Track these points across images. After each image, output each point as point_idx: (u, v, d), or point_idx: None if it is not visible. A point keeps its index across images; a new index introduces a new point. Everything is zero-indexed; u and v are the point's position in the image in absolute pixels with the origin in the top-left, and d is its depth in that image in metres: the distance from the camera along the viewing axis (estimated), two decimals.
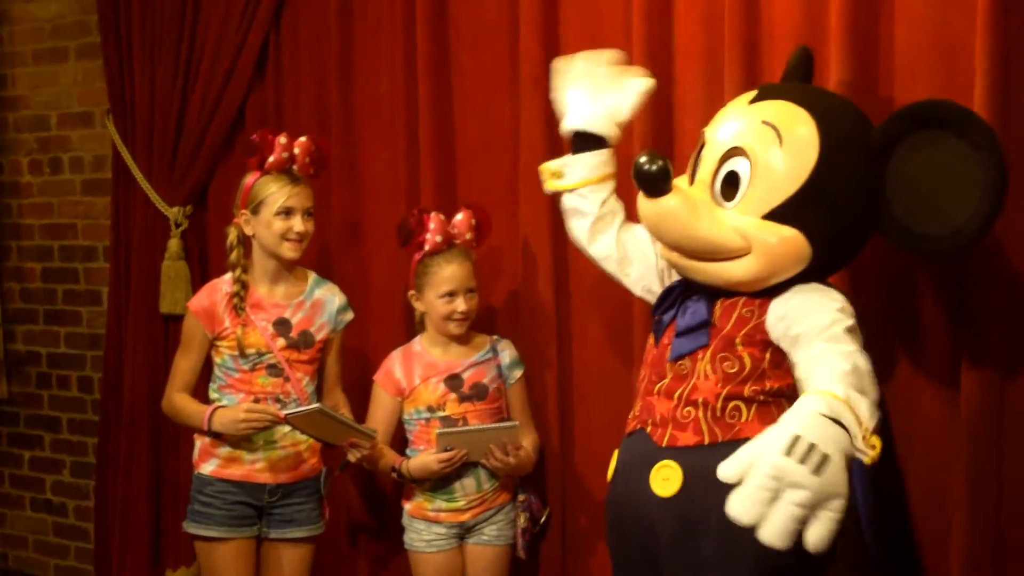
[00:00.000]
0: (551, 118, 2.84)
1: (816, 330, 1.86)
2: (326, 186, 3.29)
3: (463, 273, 2.77)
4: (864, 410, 1.65)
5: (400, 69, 3.13)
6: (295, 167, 2.83)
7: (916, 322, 2.40)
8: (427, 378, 2.83)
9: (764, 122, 2.01)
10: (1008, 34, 2.20)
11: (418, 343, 2.90)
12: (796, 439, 1.52)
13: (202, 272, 3.56)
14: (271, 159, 2.80)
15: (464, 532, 2.84)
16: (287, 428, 2.76)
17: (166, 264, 3.59)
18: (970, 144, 1.92)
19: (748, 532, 1.52)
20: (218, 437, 2.79)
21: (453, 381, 2.82)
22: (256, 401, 2.81)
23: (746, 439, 1.70)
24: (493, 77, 3.00)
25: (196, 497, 2.86)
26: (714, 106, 2.53)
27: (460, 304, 2.76)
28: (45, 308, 4.29)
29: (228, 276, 2.88)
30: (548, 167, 2.40)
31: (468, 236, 2.81)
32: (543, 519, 2.90)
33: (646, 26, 2.64)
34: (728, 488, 1.55)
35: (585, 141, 2.33)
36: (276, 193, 2.78)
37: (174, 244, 3.59)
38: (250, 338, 2.81)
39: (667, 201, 1.98)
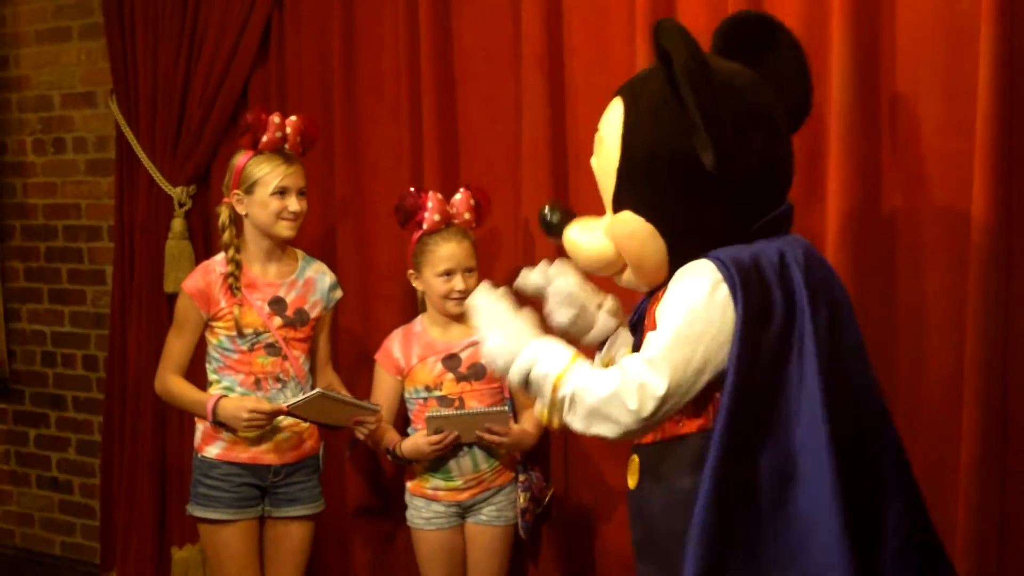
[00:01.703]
0: (554, 98, 2.86)
1: (649, 337, 1.82)
2: (328, 165, 3.30)
3: (461, 252, 2.78)
4: (566, 407, 1.82)
5: (403, 48, 3.13)
6: (287, 146, 2.84)
7: (918, 321, 2.42)
8: (424, 358, 2.85)
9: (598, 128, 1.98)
10: (1014, 14, 2.20)
11: (419, 323, 2.92)
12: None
13: (206, 251, 3.56)
14: (264, 138, 2.79)
15: (463, 511, 2.86)
16: (313, 393, 2.76)
17: (170, 243, 3.60)
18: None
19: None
20: (222, 426, 2.80)
21: (450, 361, 2.83)
22: (256, 381, 2.83)
23: (687, 435, 1.84)
24: (496, 57, 3.01)
25: (201, 480, 2.87)
26: None
27: (458, 283, 2.77)
28: (49, 287, 4.31)
29: (220, 257, 2.88)
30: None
31: (467, 216, 2.81)
32: (547, 499, 2.91)
33: (649, 5, 2.64)
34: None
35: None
36: (271, 173, 2.78)
37: (178, 223, 3.60)
38: (247, 317, 2.82)
39: (566, 236, 2.05)
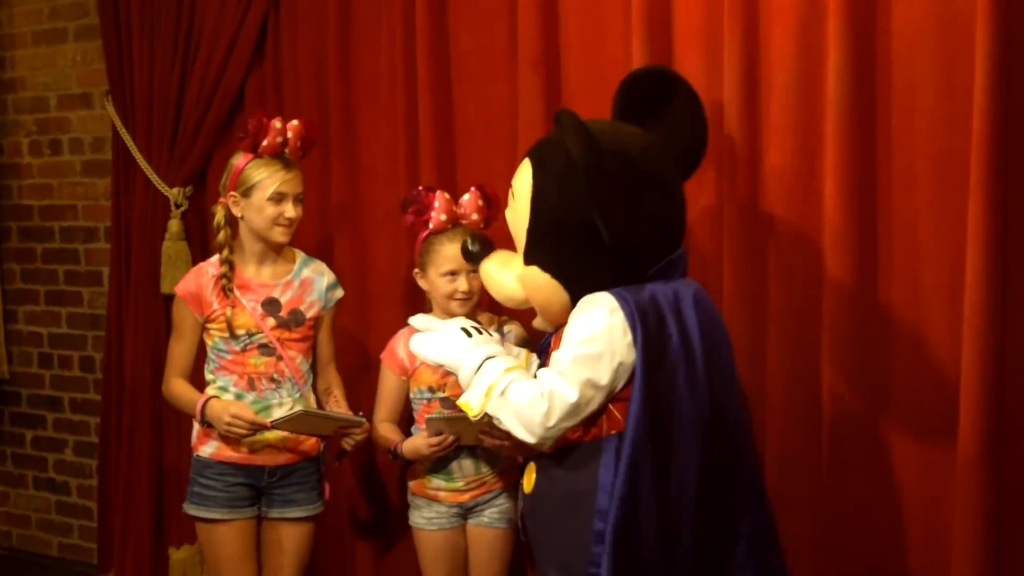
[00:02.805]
0: (550, 99, 2.86)
1: (555, 356, 2.07)
2: (325, 166, 3.30)
3: None
4: (490, 402, 2.10)
5: (399, 49, 3.13)
6: (287, 151, 2.83)
7: (915, 319, 2.43)
8: None
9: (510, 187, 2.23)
10: (1009, 12, 2.21)
11: None
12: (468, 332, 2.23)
13: (202, 252, 3.56)
14: (265, 143, 2.78)
15: (465, 513, 2.86)
16: (285, 410, 2.77)
17: (166, 244, 3.60)
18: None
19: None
20: (211, 426, 2.80)
21: None
22: (250, 382, 2.83)
23: (577, 443, 2.09)
24: (492, 58, 3.01)
25: (196, 479, 2.88)
26: (714, 85, 2.57)
27: (462, 284, 2.76)
28: (46, 289, 4.31)
29: (214, 259, 2.88)
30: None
31: (475, 216, 2.79)
32: None
33: (645, 5, 2.65)
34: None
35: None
36: (268, 179, 2.78)
37: (174, 225, 3.60)
38: (239, 319, 2.82)
39: (483, 267, 2.34)
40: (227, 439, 2.81)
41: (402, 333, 2.91)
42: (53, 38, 4.15)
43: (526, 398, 2.04)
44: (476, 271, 2.44)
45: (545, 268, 2.12)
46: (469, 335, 2.22)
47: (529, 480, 2.21)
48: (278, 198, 2.78)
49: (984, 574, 2.29)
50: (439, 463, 2.81)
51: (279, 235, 2.81)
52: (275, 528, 2.92)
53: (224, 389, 2.84)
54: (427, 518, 2.86)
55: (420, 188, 2.86)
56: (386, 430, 2.88)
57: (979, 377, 2.27)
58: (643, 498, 1.98)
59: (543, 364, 2.18)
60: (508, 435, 2.69)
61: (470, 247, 2.44)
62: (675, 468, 2.01)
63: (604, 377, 2.02)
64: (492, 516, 2.85)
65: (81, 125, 4.14)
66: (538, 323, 2.25)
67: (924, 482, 2.43)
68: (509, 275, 2.24)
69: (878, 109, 2.43)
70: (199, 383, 2.90)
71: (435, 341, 2.25)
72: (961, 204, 2.30)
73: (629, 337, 2.01)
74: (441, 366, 2.27)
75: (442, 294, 2.79)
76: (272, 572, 2.93)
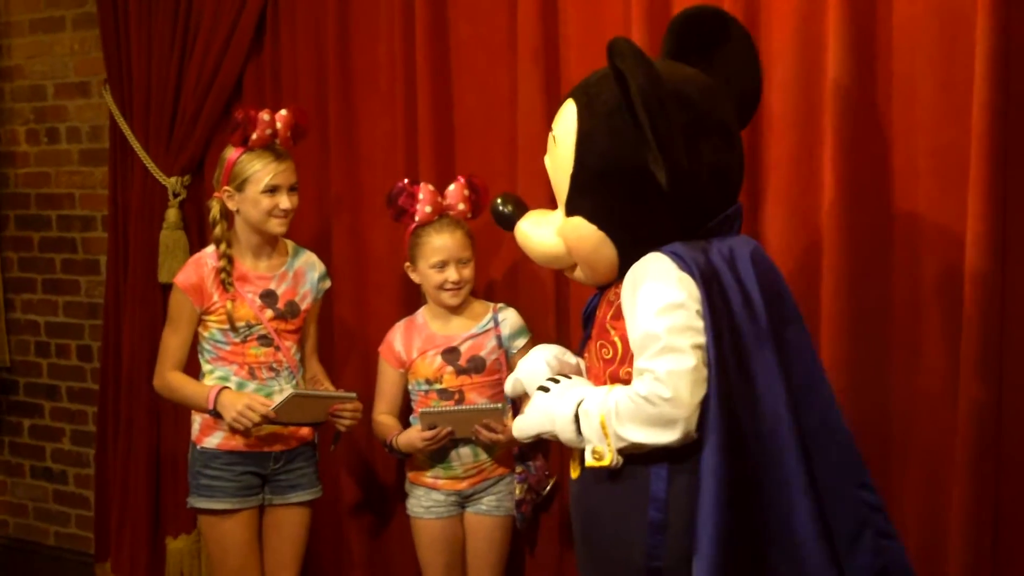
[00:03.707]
0: (550, 89, 2.86)
1: (638, 343, 1.87)
2: (323, 156, 3.29)
3: (454, 243, 2.77)
4: (612, 434, 1.87)
5: (398, 39, 3.12)
6: (277, 141, 2.83)
7: (914, 314, 2.42)
8: (425, 351, 2.85)
9: (550, 131, 2.06)
10: (1009, 5, 2.21)
11: (421, 315, 2.92)
12: (556, 380, 2.04)
13: (200, 241, 3.56)
14: (254, 136, 2.77)
15: (463, 501, 2.87)
16: (287, 395, 2.76)
17: (164, 234, 3.59)
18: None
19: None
20: (220, 416, 2.79)
21: (450, 355, 2.83)
22: (251, 371, 2.83)
23: None
24: (492, 48, 3.00)
25: (201, 472, 2.86)
26: None
27: (451, 274, 2.76)
28: (43, 277, 4.30)
29: (210, 250, 2.87)
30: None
31: (461, 207, 2.80)
32: (547, 489, 2.89)
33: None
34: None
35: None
36: (261, 171, 2.77)
37: (172, 214, 3.59)
38: (240, 311, 2.82)
39: (518, 228, 2.16)
40: (231, 429, 2.80)
41: (399, 326, 2.92)
42: (51, 26, 4.14)
43: (640, 402, 1.82)
44: (512, 230, 2.20)
45: (591, 218, 1.95)
46: (548, 390, 2.03)
47: (576, 466, 2.07)
48: (272, 190, 2.78)
49: (981, 567, 2.29)
50: (437, 453, 2.81)
51: (276, 227, 2.81)
52: (275, 513, 2.94)
53: (225, 379, 2.84)
54: (425, 507, 2.86)
55: (404, 180, 2.85)
56: (385, 422, 2.88)
57: (978, 372, 2.26)
58: (737, 480, 1.81)
59: (590, 332, 2.08)
60: (502, 429, 2.72)
61: (501, 208, 2.22)
62: (756, 449, 1.84)
63: (699, 336, 1.82)
64: (490, 504, 2.86)
65: (79, 114, 4.13)
66: (579, 276, 2.06)
67: (922, 482, 2.43)
68: (547, 231, 2.07)
69: (878, 102, 2.42)
70: (193, 374, 2.89)
71: (527, 420, 2.05)
72: (961, 197, 2.30)
73: (698, 294, 1.84)
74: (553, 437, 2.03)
75: (432, 285, 2.79)
76: (272, 556, 2.94)
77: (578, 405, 1.93)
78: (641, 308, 1.86)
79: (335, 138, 3.26)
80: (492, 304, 2.91)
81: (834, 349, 2.44)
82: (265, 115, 2.79)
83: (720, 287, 1.86)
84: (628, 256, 1.94)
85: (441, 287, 2.78)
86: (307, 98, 3.28)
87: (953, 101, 2.32)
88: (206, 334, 2.86)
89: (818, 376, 1.96)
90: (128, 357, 3.70)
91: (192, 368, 2.91)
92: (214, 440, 2.85)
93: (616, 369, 1.99)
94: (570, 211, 1.99)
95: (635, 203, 1.91)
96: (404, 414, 2.94)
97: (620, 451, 1.88)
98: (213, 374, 2.86)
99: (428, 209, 2.78)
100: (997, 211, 2.24)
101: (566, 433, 1.95)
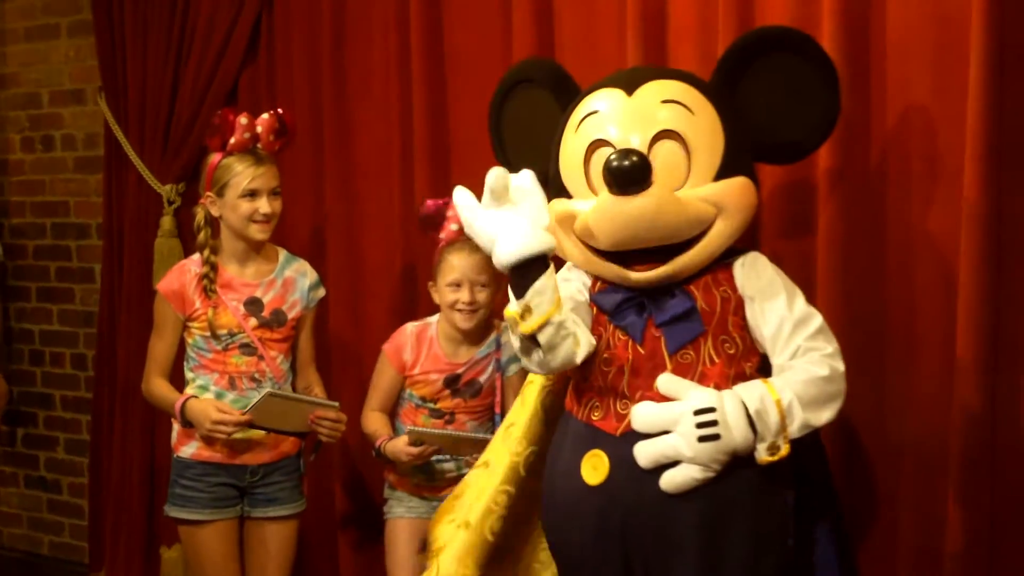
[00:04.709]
0: None
1: (791, 324, 2.03)
2: (318, 164, 3.29)
3: (471, 264, 2.72)
4: (795, 423, 1.96)
5: (393, 46, 3.12)
6: (259, 146, 2.81)
7: (909, 317, 2.42)
8: (428, 372, 2.83)
9: (665, 101, 2.07)
10: (1004, 10, 2.21)
11: (434, 328, 2.87)
12: (710, 410, 1.93)
13: (195, 249, 3.55)
14: (232, 140, 2.76)
15: None
16: (263, 395, 2.73)
17: (159, 241, 3.59)
18: (807, 60, 2.10)
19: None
20: (192, 427, 2.79)
21: (452, 382, 2.82)
22: (231, 381, 2.81)
23: None
24: (487, 55, 2.99)
25: (177, 480, 2.86)
26: None
27: (464, 295, 2.72)
28: (37, 285, 4.29)
29: (197, 257, 2.86)
30: (512, 312, 2.01)
31: None
32: None
33: (640, 2, 2.64)
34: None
35: (526, 266, 1.97)
36: (240, 175, 2.75)
37: (167, 221, 3.59)
38: (221, 319, 2.80)
39: (651, 193, 1.98)
40: (208, 439, 2.79)
41: (411, 332, 2.87)
42: (46, 34, 4.14)
43: (821, 384, 2.00)
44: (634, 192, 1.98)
45: (753, 178, 2.12)
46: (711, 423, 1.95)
47: (600, 471, 2.04)
48: (251, 194, 2.76)
49: (977, 571, 2.28)
50: (420, 465, 2.80)
51: (256, 232, 2.79)
52: (258, 528, 2.91)
53: (204, 388, 2.83)
54: (406, 507, 2.87)
55: (429, 201, 2.83)
56: (375, 420, 2.86)
57: (973, 377, 2.26)
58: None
59: (681, 319, 2.05)
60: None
61: (623, 162, 1.95)
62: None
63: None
64: None
65: (74, 121, 4.12)
66: (695, 254, 2.05)
67: (917, 485, 2.42)
68: (691, 203, 2.02)
69: (872, 107, 2.42)
70: (180, 380, 2.88)
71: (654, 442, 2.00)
72: (955, 202, 2.29)
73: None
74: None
75: (446, 304, 2.77)
76: (256, 572, 2.92)
77: (740, 405, 1.95)
78: (785, 292, 2.05)
79: (330, 145, 3.26)
80: (497, 323, 2.86)
81: None
82: (243, 119, 2.78)
83: None
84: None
85: (453, 307, 2.75)
86: (302, 105, 3.28)
87: (947, 106, 2.32)
88: (190, 340, 2.85)
89: None
90: (123, 366, 3.69)
91: (177, 378, 2.90)
92: (189, 449, 2.84)
93: (741, 366, 2.05)
94: (730, 172, 2.06)
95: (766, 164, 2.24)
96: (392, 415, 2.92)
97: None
98: (195, 382, 2.85)
99: (455, 227, 2.75)
100: (991, 216, 2.24)
101: (743, 442, 1.94)
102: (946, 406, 2.33)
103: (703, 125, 2.06)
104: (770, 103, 2.12)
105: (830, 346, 2.02)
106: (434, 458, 2.78)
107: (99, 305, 3.87)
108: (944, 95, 2.33)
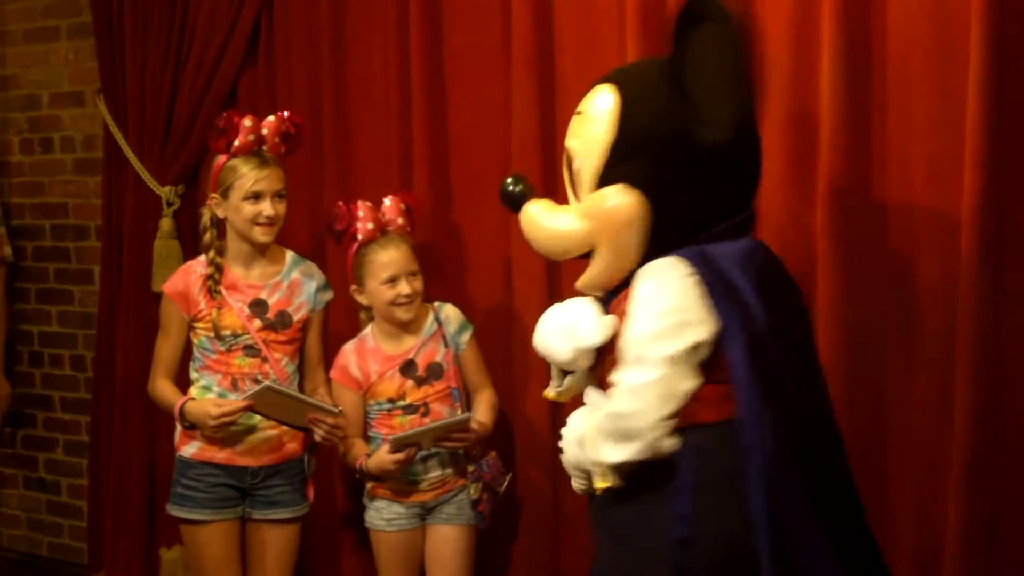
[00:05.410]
0: (543, 98, 2.86)
1: (626, 347, 1.89)
2: (318, 166, 3.29)
3: (401, 256, 2.76)
4: (595, 455, 1.91)
5: (393, 48, 3.12)
6: (265, 148, 2.81)
7: (909, 319, 2.42)
8: (383, 373, 2.83)
9: (575, 114, 2.06)
10: (1004, 12, 2.21)
11: (370, 337, 2.88)
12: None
13: (194, 250, 3.51)
14: (237, 142, 2.76)
15: (425, 512, 2.85)
16: (261, 386, 2.73)
17: (158, 243, 3.59)
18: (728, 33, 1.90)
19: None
20: (195, 428, 2.79)
21: (408, 369, 2.82)
22: (233, 382, 2.81)
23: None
24: (486, 57, 3.00)
25: (178, 480, 2.86)
26: None
27: (403, 287, 2.75)
28: (37, 287, 4.29)
29: (203, 257, 2.86)
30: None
31: (400, 221, 2.81)
32: (503, 487, 2.83)
33: (640, 3, 2.64)
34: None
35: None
36: (244, 177, 2.75)
37: (166, 223, 3.59)
38: (225, 320, 2.80)
39: (526, 209, 2.10)
40: (211, 439, 2.79)
41: (349, 351, 2.89)
42: (45, 36, 4.13)
43: (604, 420, 1.89)
44: (517, 211, 2.14)
45: (634, 182, 1.91)
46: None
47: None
48: (254, 196, 2.76)
49: (978, 572, 2.28)
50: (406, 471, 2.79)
51: (260, 235, 2.79)
52: (259, 530, 2.90)
53: (207, 388, 2.83)
54: (387, 519, 2.85)
55: (339, 203, 2.85)
56: (352, 445, 2.84)
57: (974, 377, 2.26)
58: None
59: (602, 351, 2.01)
60: (471, 434, 2.70)
61: (511, 188, 2.16)
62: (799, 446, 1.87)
63: (690, 349, 1.83)
64: (450, 512, 2.84)
65: (73, 123, 4.12)
66: (592, 274, 2.02)
67: (919, 487, 2.43)
68: (559, 215, 2.03)
69: (872, 110, 2.43)
70: (185, 381, 2.89)
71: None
72: (955, 202, 2.30)
73: (705, 301, 1.83)
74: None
75: (384, 302, 2.77)
76: (256, 574, 2.92)
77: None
78: (639, 305, 1.88)
79: (329, 147, 3.26)
80: (429, 305, 2.88)
81: (829, 355, 2.43)
82: (247, 121, 2.78)
83: (733, 286, 1.86)
84: (659, 236, 1.92)
85: (394, 302, 2.76)
86: (301, 107, 3.27)
87: (947, 108, 2.32)
88: (196, 341, 2.86)
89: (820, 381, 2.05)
90: (121, 367, 3.69)
91: (182, 378, 2.90)
92: (191, 449, 2.85)
93: None
94: (607, 181, 1.94)
95: (676, 171, 1.91)
96: (364, 436, 2.90)
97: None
98: (198, 383, 2.85)
99: (371, 226, 2.77)
100: (992, 218, 2.24)
101: (575, 460, 2.01)
102: (946, 406, 2.33)
103: (589, 132, 1.99)
104: (704, 80, 1.90)
105: (641, 377, 1.84)
106: (420, 465, 2.78)
107: (98, 307, 3.86)
108: (944, 95, 2.33)
